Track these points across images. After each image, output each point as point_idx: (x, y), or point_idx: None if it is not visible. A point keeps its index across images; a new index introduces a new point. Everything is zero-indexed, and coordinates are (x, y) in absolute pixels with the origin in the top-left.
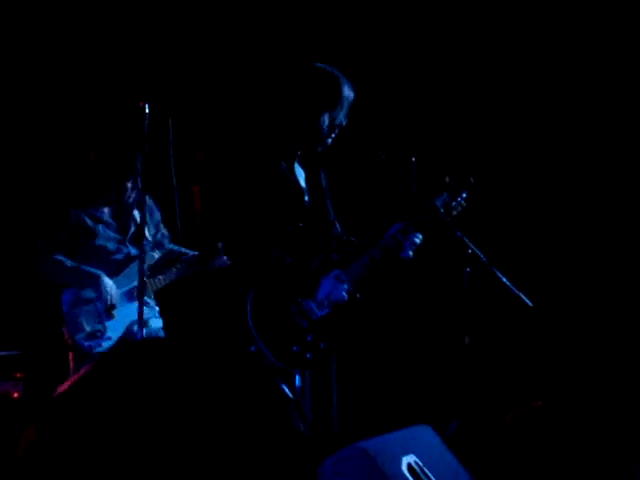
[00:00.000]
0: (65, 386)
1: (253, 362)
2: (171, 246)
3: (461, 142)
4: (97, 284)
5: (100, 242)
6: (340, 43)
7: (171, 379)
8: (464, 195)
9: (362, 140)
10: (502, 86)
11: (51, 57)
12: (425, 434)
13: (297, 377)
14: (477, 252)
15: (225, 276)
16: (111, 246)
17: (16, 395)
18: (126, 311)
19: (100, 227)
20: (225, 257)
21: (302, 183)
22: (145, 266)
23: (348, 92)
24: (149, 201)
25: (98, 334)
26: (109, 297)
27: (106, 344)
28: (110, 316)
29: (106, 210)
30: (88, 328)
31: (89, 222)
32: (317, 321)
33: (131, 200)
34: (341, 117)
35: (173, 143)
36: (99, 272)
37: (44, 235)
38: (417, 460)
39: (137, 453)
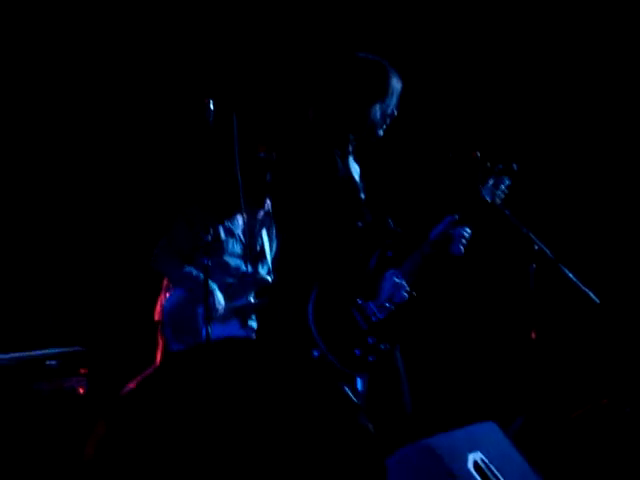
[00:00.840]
0: (134, 384)
1: (319, 368)
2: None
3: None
4: (210, 299)
5: (225, 258)
6: (389, 39)
7: (239, 381)
8: (507, 182)
9: (428, 138)
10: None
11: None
12: (491, 431)
13: (359, 380)
14: (544, 248)
15: (285, 278)
16: (232, 262)
17: (82, 391)
18: (223, 327)
19: (231, 242)
20: None
21: (357, 179)
22: (254, 289)
23: (396, 80)
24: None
25: (192, 341)
26: (216, 313)
27: None
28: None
29: (240, 223)
30: (183, 333)
31: (222, 235)
32: (377, 323)
33: (261, 217)
34: (392, 107)
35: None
36: (214, 286)
37: (171, 235)
38: (483, 457)
39: (204, 451)
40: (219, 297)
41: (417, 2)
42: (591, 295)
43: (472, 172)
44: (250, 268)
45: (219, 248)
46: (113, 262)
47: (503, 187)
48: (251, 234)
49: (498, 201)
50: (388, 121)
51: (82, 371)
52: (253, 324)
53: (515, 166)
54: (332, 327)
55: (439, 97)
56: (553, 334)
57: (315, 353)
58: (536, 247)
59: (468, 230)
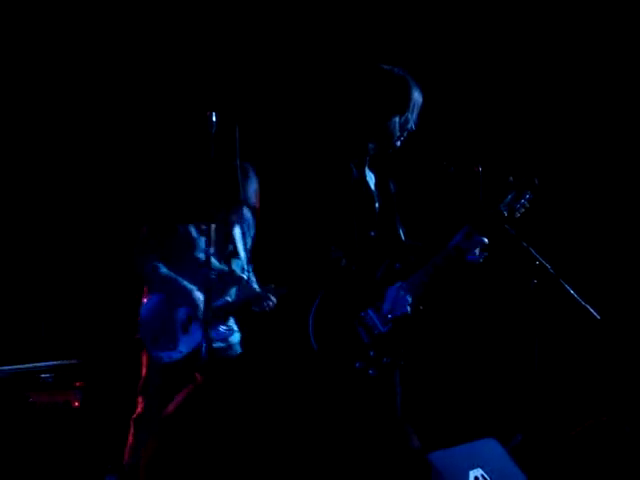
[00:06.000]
0: (177, 402)
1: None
2: (247, 268)
3: (527, 145)
4: (190, 299)
5: (197, 254)
6: (405, 50)
7: (284, 394)
8: (527, 196)
9: (429, 150)
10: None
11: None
12: (492, 447)
13: None
14: (545, 263)
15: (287, 290)
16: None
17: (76, 404)
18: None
19: (202, 239)
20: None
21: (372, 188)
22: (230, 287)
23: (417, 95)
24: (250, 218)
25: (170, 346)
26: (199, 311)
27: (175, 356)
28: (185, 330)
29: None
30: (161, 338)
31: (194, 233)
32: (379, 336)
33: (234, 218)
34: (411, 121)
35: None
36: (192, 287)
37: (144, 238)
38: (484, 474)
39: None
40: (199, 295)
41: (423, 17)
42: (592, 311)
43: (474, 186)
44: (225, 266)
45: (191, 245)
46: (108, 275)
47: (523, 201)
48: (223, 232)
49: (517, 215)
50: (406, 134)
51: (77, 384)
52: (233, 324)
53: (536, 180)
54: (332, 338)
55: (449, 109)
56: (553, 350)
57: None
58: (537, 262)
59: (485, 239)
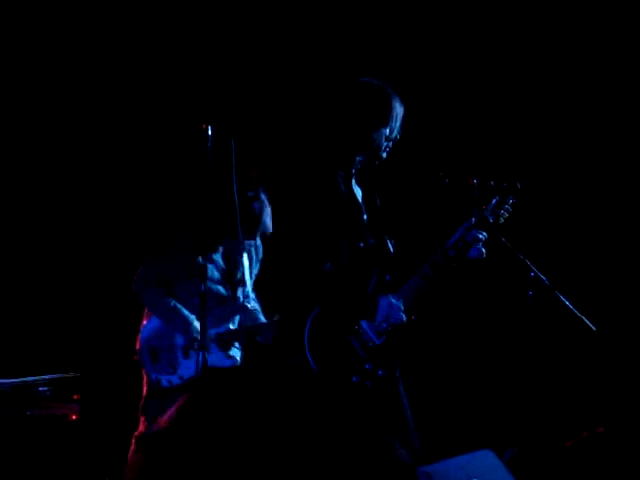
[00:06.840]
0: (167, 417)
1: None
2: (252, 296)
3: (525, 157)
4: (188, 330)
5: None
6: (394, 62)
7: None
8: (511, 201)
9: (425, 161)
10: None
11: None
12: (487, 459)
13: None
14: (540, 275)
15: (283, 302)
16: (213, 288)
17: (74, 417)
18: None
19: (209, 268)
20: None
21: (360, 201)
22: (234, 315)
23: (398, 105)
24: (260, 245)
25: (170, 370)
26: (196, 343)
27: (175, 381)
28: (186, 355)
29: (220, 249)
30: (161, 361)
31: (200, 261)
32: (374, 348)
33: (244, 244)
34: (395, 131)
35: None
36: (192, 318)
37: (150, 263)
38: None
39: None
40: (197, 327)
41: (411, 28)
42: (588, 323)
43: (469, 198)
44: (230, 293)
45: (198, 274)
46: (105, 288)
47: (507, 206)
48: (233, 260)
49: (502, 220)
50: (391, 144)
51: (75, 397)
52: (236, 352)
53: (519, 185)
54: (329, 354)
55: (438, 121)
56: (549, 361)
57: None
58: (532, 274)
59: (484, 233)
